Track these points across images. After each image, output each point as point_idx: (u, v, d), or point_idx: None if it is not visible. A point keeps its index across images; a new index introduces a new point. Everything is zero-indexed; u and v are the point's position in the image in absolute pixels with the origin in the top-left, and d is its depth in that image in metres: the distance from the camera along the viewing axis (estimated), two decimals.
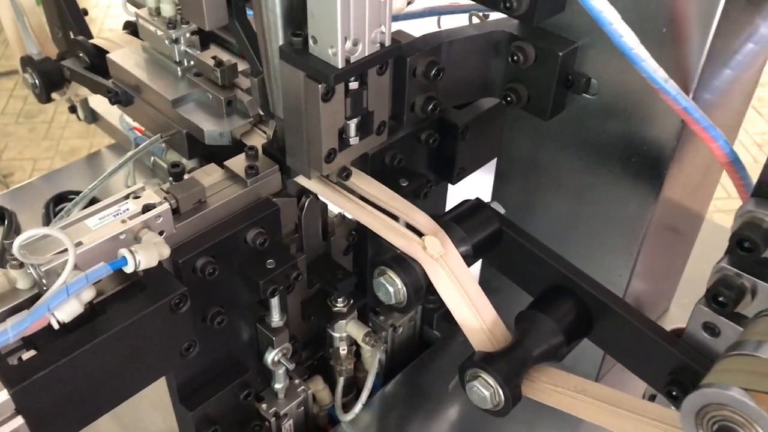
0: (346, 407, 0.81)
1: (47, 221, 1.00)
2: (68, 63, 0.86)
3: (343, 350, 0.78)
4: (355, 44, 0.53)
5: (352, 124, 0.59)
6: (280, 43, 0.58)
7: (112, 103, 0.79)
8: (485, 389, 0.55)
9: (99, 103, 1.18)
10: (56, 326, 0.50)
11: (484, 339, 0.59)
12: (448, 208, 0.81)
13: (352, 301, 0.75)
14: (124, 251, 0.52)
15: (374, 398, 0.83)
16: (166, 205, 0.57)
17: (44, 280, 0.53)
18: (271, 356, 0.70)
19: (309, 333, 0.80)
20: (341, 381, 0.80)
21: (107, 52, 0.84)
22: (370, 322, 0.83)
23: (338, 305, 0.74)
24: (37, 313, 0.49)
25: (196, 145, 0.73)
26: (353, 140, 0.60)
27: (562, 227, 0.76)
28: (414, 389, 0.85)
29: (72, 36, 1.03)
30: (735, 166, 0.61)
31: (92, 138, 2.77)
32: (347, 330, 0.76)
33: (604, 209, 0.71)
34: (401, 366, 0.88)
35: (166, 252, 0.55)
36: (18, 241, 0.50)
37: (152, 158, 0.97)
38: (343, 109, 0.57)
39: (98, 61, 0.83)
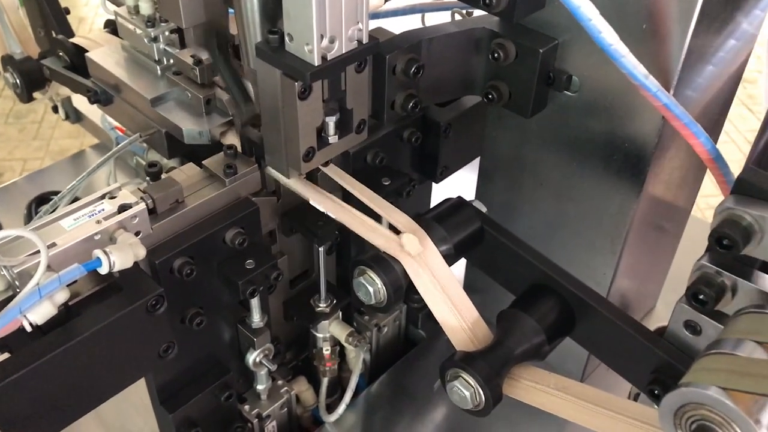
0: (330, 408, 0.81)
1: (29, 222, 0.98)
2: (48, 62, 0.85)
3: (326, 351, 0.77)
4: (331, 41, 0.53)
5: (331, 122, 0.58)
6: (258, 39, 0.57)
7: (92, 103, 0.78)
8: (465, 389, 0.54)
9: (82, 102, 1.17)
10: (29, 328, 0.49)
11: (465, 338, 0.58)
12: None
13: (335, 301, 0.75)
14: (98, 252, 0.51)
15: (359, 398, 0.83)
16: (142, 206, 0.56)
17: (17, 282, 0.52)
18: (252, 357, 0.69)
19: (292, 333, 0.80)
20: (325, 382, 0.79)
21: (87, 51, 0.83)
22: (355, 322, 0.83)
23: (321, 305, 0.74)
24: (8, 315, 0.48)
25: (176, 145, 0.72)
26: (332, 139, 0.59)
27: (545, 226, 0.76)
28: (399, 389, 0.84)
29: (54, 35, 1.02)
30: (717, 162, 0.61)
31: (83, 138, 2.75)
32: (330, 330, 0.75)
33: (586, 207, 0.71)
34: (386, 366, 0.87)
35: (141, 253, 0.54)
36: None
37: (134, 158, 0.96)
38: (321, 107, 0.57)
39: (78, 60, 0.82)
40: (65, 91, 1.11)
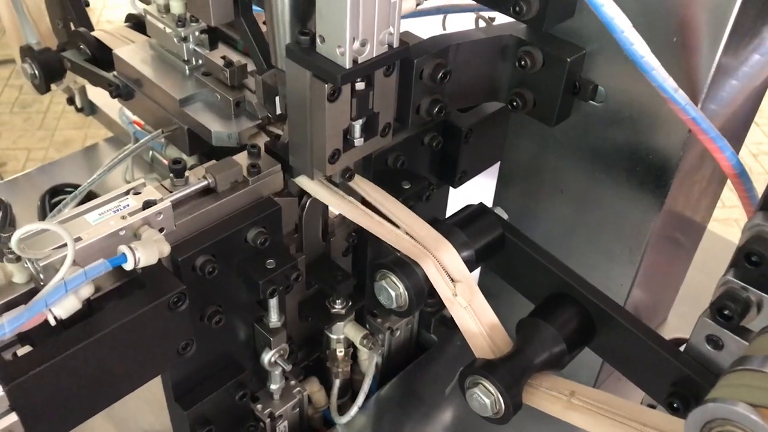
0: (342, 409, 0.81)
1: (43, 214, 0.99)
2: (69, 54, 0.85)
3: (340, 352, 0.77)
4: (363, 44, 0.53)
5: (357, 125, 0.58)
6: (288, 40, 0.57)
7: (113, 97, 0.78)
8: (486, 397, 0.54)
9: (98, 95, 1.17)
10: (53, 322, 0.49)
11: (485, 345, 0.58)
12: (449, 210, 0.81)
13: (350, 303, 0.75)
14: (123, 248, 0.51)
15: (370, 401, 0.83)
16: (167, 202, 0.56)
17: (42, 275, 0.52)
18: (268, 357, 0.69)
19: (306, 334, 0.80)
20: (337, 383, 0.79)
21: (107, 46, 0.83)
22: (368, 325, 0.83)
23: (336, 307, 0.74)
24: (34, 308, 0.48)
25: (197, 142, 0.72)
26: (358, 141, 0.59)
27: (564, 233, 0.76)
28: (410, 393, 0.84)
29: (73, 27, 1.02)
30: (741, 178, 0.61)
31: (87, 129, 2.76)
32: (345, 332, 0.75)
33: (607, 217, 0.71)
34: (397, 369, 0.87)
35: (166, 249, 0.54)
36: (17, 235, 0.49)
37: (151, 153, 0.96)
38: (349, 110, 0.57)
39: (99, 53, 0.83)
40: (82, 82, 1.11)
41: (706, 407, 0.41)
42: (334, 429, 0.80)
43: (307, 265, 0.71)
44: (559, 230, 0.76)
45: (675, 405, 0.54)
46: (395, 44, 0.55)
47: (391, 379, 0.86)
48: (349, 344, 0.78)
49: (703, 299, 0.54)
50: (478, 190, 0.83)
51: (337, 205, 0.63)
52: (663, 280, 0.85)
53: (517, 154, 0.76)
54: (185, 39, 0.73)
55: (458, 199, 0.77)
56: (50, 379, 0.50)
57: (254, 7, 0.64)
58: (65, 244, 0.51)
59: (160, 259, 0.55)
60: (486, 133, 0.75)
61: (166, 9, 0.75)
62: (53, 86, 1.03)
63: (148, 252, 0.52)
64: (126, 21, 0.89)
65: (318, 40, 0.53)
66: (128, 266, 0.52)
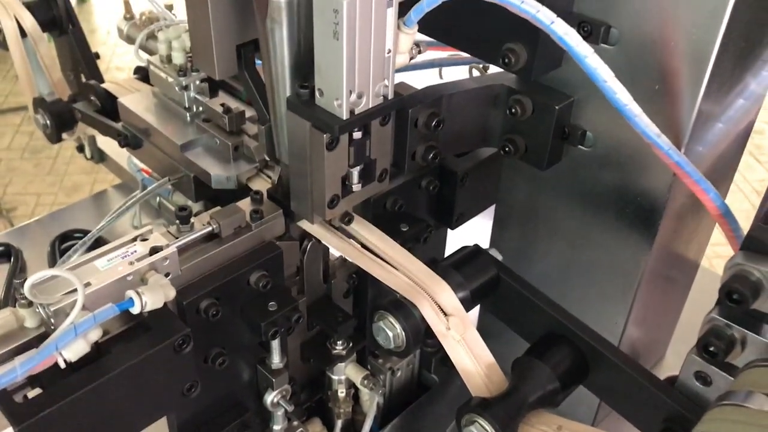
0: None
1: (53, 259, 1.01)
2: (80, 106, 0.88)
3: (341, 393, 0.78)
4: (359, 97, 0.55)
5: (355, 171, 0.61)
6: (288, 93, 0.60)
7: (122, 146, 0.81)
8: None
9: (106, 143, 1.20)
10: (63, 365, 0.51)
11: (481, 384, 0.60)
12: (447, 250, 0.83)
13: (351, 344, 0.76)
14: (131, 293, 0.54)
15: None
16: (173, 248, 0.59)
17: (53, 320, 0.54)
18: (270, 398, 0.71)
19: (307, 375, 0.81)
20: (339, 424, 0.80)
21: (117, 97, 0.86)
22: (369, 365, 0.84)
23: (338, 348, 0.75)
24: (45, 351, 0.50)
25: (203, 188, 0.75)
26: (356, 187, 0.62)
27: (558, 273, 0.78)
28: None
29: (83, 79, 1.06)
30: (726, 218, 0.63)
31: (96, 174, 2.81)
32: (346, 373, 0.77)
33: (599, 257, 0.73)
34: (399, 409, 0.88)
35: (171, 294, 0.56)
36: (30, 281, 0.51)
37: (158, 199, 0.99)
38: (347, 158, 0.59)
39: (109, 104, 0.86)
40: (92, 131, 1.15)
41: None
42: None
43: (308, 306, 0.73)
44: (554, 270, 0.78)
45: None
46: (390, 95, 0.58)
47: (392, 419, 0.87)
48: (351, 385, 0.79)
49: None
50: (475, 231, 0.85)
51: (338, 246, 0.65)
52: (658, 318, 0.87)
53: (511, 196, 0.78)
54: (186, 88, 0.77)
55: (456, 239, 0.80)
56: (60, 421, 0.52)
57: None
58: (75, 290, 0.54)
59: (165, 303, 0.57)
60: (481, 177, 0.78)
61: (168, 59, 0.79)
62: (64, 135, 1.07)
63: (154, 296, 0.55)
64: (135, 73, 0.92)
65: (317, 93, 0.56)
66: (135, 310, 0.54)
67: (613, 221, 0.70)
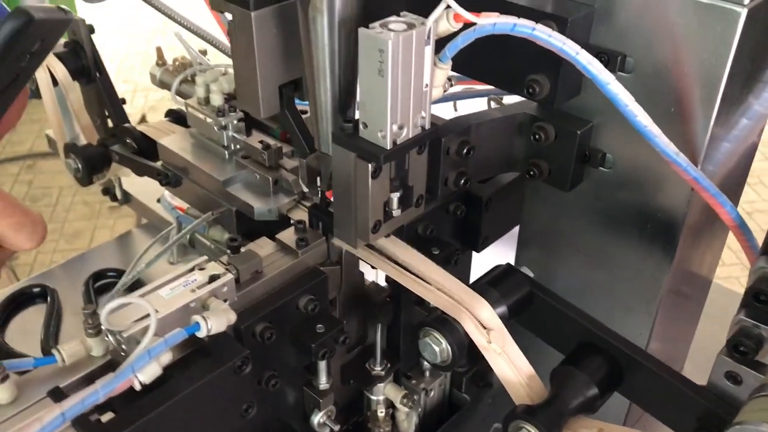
0: None
1: (88, 298, 1.04)
2: (117, 148, 0.93)
3: (381, 413, 0.82)
4: (400, 128, 0.60)
5: (395, 198, 0.65)
6: (330, 127, 0.65)
7: (163, 185, 0.85)
8: None
9: (131, 184, 1.25)
10: (138, 387, 0.55)
11: (523, 393, 0.63)
12: (472, 272, 0.87)
13: (388, 365, 0.80)
14: (197, 318, 0.57)
15: None
16: (230, 276, 0.63)
17: (124, 346, 0.58)
18: (317, 418, 0.74)
19: (346, 398, 0.84)
20: None
21: (151, 139, 0.91)
22: (403, 386, 0.87)
23: (377, 369, 0.79)
24: (122, 375, 0.54)
25: (243, 222, 0.79)
26: (396, 212, 0.66)
27: (582, 289, 0.82)
28: None
29: (111, 123, 1.11)
30: (742, 229, 0.68)
31: (96, 220, 2.85)
32: (385, 392, 0.80)
33: (622, 272, 0.77)
34: (432, 429, 0.91)
35: (233, 318, 0.60)
36: (107, 309, 0.55)
37: (188, 235, 1.02)
38: (389, 185, 0.64)
39: (145, 146, 0.90)
40: (117, 175, 1.19)
41: (733, 430, 0.47)
42: None
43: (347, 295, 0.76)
44: (578, 286, 0.82)
45: None
46: (427, 126, 0.63)
47: None
48: (389, 405, 0.83)
49: (715, 348, 0.60)
50: (499, 253, 0.89)
51: (382, 267, 0.69)
52: (677, 332, 0.91)
53: (535, 218, 0.83)
54: (225, 127, 0.81)
55: (481, 262, 0.84)
56: None
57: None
58: (145, 317, 0.57)
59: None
60: (504, 201, 0.82)
61: (206, 101, 0.84)
62: (94, 178, 1.11)
63: (218, 320, 0.58)
64: (166, 116, 0.97)
65: (361, 126, 0.61)
66: (201, 333, 0.58)
67: (635, 238, 0.75)
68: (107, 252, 1.25)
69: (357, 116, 0.62)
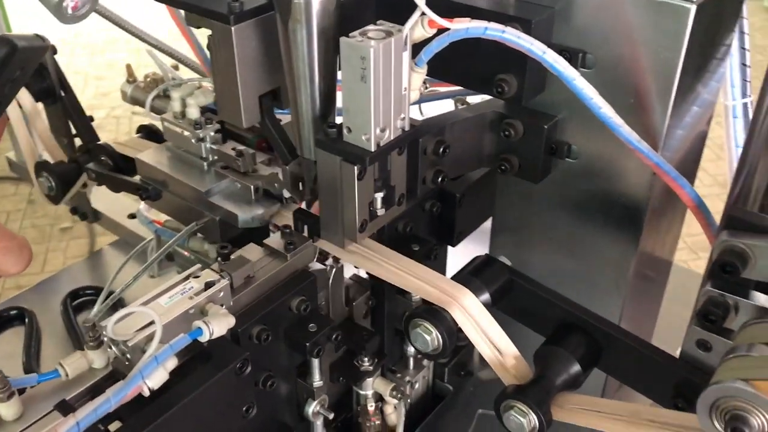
0: None
1: (67, 317, 1.05)
2: (93, 166, 0.93)
3: (371, 406, 0.84)
4: (383, 131, 0.63)
5: (379, 197, 0.68)
6: (311, 133, 0.68)
7: (143, 199, 0.87)
8: (521, 417, 0.63)
9: (100, 202, 1.25)
10: (147, 393, 0.56)
11: (511, 375, 0.67)
12: (448, 265, 0.91)
13: (377, 360, 0.83)
14: (199, 323, 0.59)
15: None
16: (225, 281, 0.65)
17: (128, 355, 0.59)
18: (311, 408, 0.77)
19: (335, 395, 0.87)
20: None
21: (127, 155, 0.92)
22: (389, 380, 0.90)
23: (365, 364, 0.82)
24: (132, 382, 0.55)
25: (227, 230, 0.81)
26: (380, 211, 0.69)
27: (554, 277, 0.85)
28: None
29: (81, 142, 1.11)
30: (701, 208, 0.73)
31: (47, 243, 2.80)
32: (375, 386, 0.83)
33: (592, 258, 0.82)
34: (417, 420, 0.94)
35: (232, 321, 0.62)
36: (112, 321, 0.57)
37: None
38: (373, 185, 0.67)
39: (121, 162, 0.91)
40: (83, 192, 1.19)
41: (710, 389, 0.51)
42: None
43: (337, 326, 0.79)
44: (550, 274, 0.86)
45: (680, 405, 0.64)
46: (407, 128, 0.66)
47: (413, 430, 0.93)
48: (377, 399, 0.85)
49: (677, 324, 0.64)
50: (472, 246, 0.93)
51: (369, 267, 0.72)
52: (644, 312, 0.96)
53: (506, 210, 0.87)
54: (203, 139, 0.83)
55: (456, 254, 0.88)
56: None
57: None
58: (147, 325, 0.59)
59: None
60: (477, 196, 0.86)
61: (182, 115, 0.85)
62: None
63: (219, 324, 0.60)
64: (137, 132, 0.98)
65: (345, 131, 0.63)
66: (204, 338, 0.60)
67: (602, 224, 0.79)
68: (79, 272, 1.25)
69: (339, 121, 0.64)
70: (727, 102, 0.78)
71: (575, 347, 0.68)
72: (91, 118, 1.11)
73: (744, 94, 0.79)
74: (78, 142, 1.07)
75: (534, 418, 0.62)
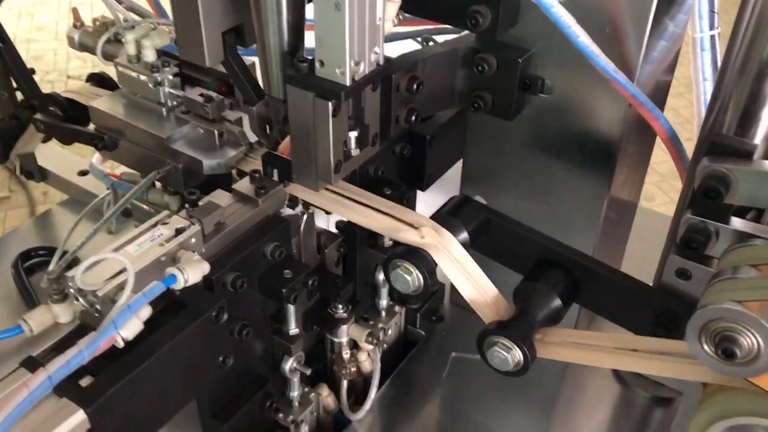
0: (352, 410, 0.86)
1: (19, 278, 1.00)
2: (44, 117, 0.88)
3: (346, 354, 0.83)
4: (357, 64, 0.61)
5: (353, 137, 0.66)
6: (280, 70, 0.65)
7: (99, 149, 0.82)
8: (505, 352, 0.62)
9: (46, 159, 1.19)
10: (121, 344, 0.54)
11: (491, 312, 0.66)
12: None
13: (351, 307, 0.81)
14: (172, 269, 0.57)
15: (374, 399, 0.89)
16: (196, 227, 0.62)
17: (98, 306, 0.56)
18: (288, 364, 0.75)
19: (307, 346, 0.85)
20: (345, 384, 0.85)
21: (79, 104, 0.87)
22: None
23: (339, 312, 0.80)
24: (105, 332, 0.52)
25: (190, 178, 0.77)
26: (354, 152, 0.67)
27: (528, 218, 0.84)
28: (409, 385, 0.91)
29: (20, 96, 1.05)
30: (673, 140, 0.73)
31: None
32: (350, 333, 0.82)
33: (566, 196, 0.81)
34: (390, 366, 0.94)
35: (207, 268, 0.59)
36: (81, 270, 0.53)
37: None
38: (347, 123, 0.64)
39: (72, 112, 0.86)
40: (29, 149, 1.13)
41: (700, 312, 0.51)
42: (350, 427, 0.86)
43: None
44: (523, 215, 0.85)
45: (660, 335, 0.64)
46: (381, 62, 0.63)
47: (386, 377, 0.92)
48: (352, 346, 0.84)
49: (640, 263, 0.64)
50: (441, 195, 0.91)
51: (345, 211, 0.70)
52: (612, 251, 0.97)
53: (477, 152, 0.85)
54: (160, 83, 0.79)
55: (426, 198, 0.86)
56: (121, 400, 0.55)
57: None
58: (118, 274, 0.56)
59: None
60: (447, 138, 0.84)
61: (137, 58, 0.81)
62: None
63: (193, 271, 0.58)
64: (88, 80, 0.93)
65: (317, 65, 0.61)
66: (178, 285, 0.57)
67: (576, 161, 0.78)
68: (27, 234, 1.19)
69: (311, 56, 0.62)
70: (695, 34, 0.77)
71: (555, 282, 0.67)
72: (33, 71, 1.05)
73: (711, 26, 0.78)
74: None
75: (518, 353, 0.62)
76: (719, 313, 0.50)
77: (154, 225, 0.62)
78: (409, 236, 0.66)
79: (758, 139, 0.62)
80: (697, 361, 0.53)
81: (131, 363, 0.56)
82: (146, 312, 0.55)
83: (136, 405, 0.56)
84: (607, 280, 0.67)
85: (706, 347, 0.51)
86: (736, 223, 0.59)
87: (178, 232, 0.61)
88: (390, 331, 0.92)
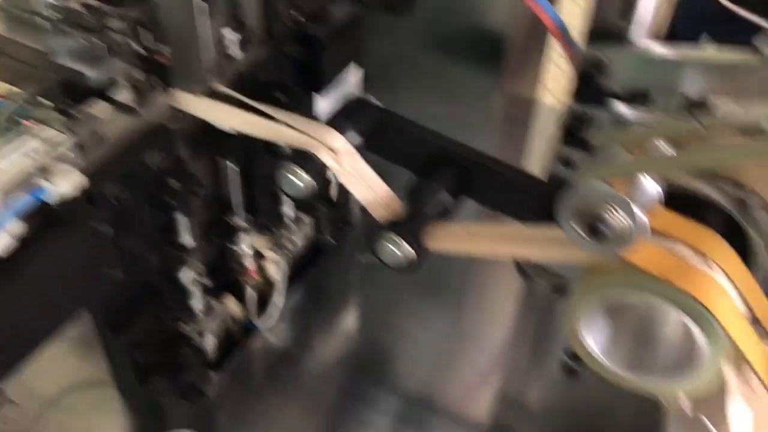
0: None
1: None
2: None
3: (249, 264, 0.83)
4: None
5: (234, 38, 0.64)
6: None
7: None
8: (396, 248, 0.63)
9: None
10: None
11: (384, 212, 0.66)
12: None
13: (250, 216, 0.80)
14: (41, 181, 0.54)
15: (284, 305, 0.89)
16: (70, 138, 0.59)
17: None
18: (186, 276, 0.74)
19: (209, 259, 0.84)
20: (250, 291, 0.85)
21: None
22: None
23: (236, 220, 0.79)
24: None
25: (71, 92, 0.73)
26: (237, 54, 0.65)
27: (428, 117, 0.85)
28: (320, 293, 0.92)
29: None
30: (563, 33, 0.72)
31: None
32: (252, 243, 0.81)
33: (462, 91, 0.81)
34: (301, 275, 0.94)
35: (80, 178, 0.57)
36: None
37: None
38: (219, 19, 0.61)
39: None
40: None
41: (566, 194, 0.52)
42: (259, 334, 0.86)
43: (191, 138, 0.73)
44: (420, 117, 0.85)
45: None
46: None
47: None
48: (260, 257, 0.84)
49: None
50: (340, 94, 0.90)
51: (226, 119, 0.68)
52: (512, 150, 0.98)
53: (375, 55, 0.84)
54: None
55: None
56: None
57: None
58: None
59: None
60: (342, 39, 0.82)
61: None
62: None
63: (65, 182, 0.55)
64: None
65: None
66: (50, 198, 0.55)
67: (469, 57, 0.78)
68: None
69: None
70: None
71: (444, 178, 0.68)
72: None
73: None
74: None
75: (408, 249, 0.63)
76: (583, 192, 0.51)
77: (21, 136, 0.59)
78: (297, 139, 0.65)
79: (636, 23, 0.62)
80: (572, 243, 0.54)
81: (4, 277, 0.54)
82: (18, 227, 0.53)
83: (15, 317, 0.55)
84: (497, 173, 0.67)
85: (576, 228, 0.52)
86: (614, 108, 0.60)
87: (51, 144, 0.58)
88: (298, 241, 0.92)
